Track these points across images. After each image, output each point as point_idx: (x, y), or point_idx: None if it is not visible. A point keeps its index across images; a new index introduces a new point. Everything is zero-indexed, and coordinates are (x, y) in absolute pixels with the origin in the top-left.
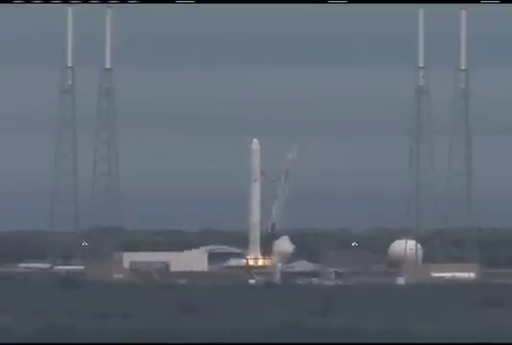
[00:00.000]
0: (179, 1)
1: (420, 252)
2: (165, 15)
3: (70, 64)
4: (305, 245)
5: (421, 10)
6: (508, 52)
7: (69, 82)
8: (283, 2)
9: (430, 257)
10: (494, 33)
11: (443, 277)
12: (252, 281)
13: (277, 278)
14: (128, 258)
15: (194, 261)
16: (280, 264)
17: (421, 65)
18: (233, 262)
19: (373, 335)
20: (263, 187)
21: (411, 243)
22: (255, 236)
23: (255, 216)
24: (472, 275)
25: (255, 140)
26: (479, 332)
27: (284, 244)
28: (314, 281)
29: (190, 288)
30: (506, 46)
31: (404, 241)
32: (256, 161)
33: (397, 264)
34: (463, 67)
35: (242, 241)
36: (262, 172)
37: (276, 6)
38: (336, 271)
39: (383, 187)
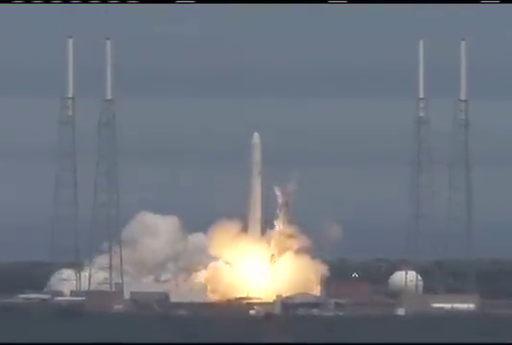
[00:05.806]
0: (179, 1)
1: (420, 283)
2: (166, 46)
3: (70, 95)
4: None
5: (421, 41)
6: (508, 83)
7: (69, 113)
8: (282, 2)
9: (430, 288)
10: (494, 64)
11: (443, 308)
12: (252, 312)
13: (277, 309)
14: (129, 289)
15: (193, 291)
16: (281, 296)
17: (421, 96)
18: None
19: None
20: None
21: (411, 274)
22: (255, 231)
23: (257, 211)
24: (471, 306)
25: (256, 134)
26: None
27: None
28: (315, 312)
29: (189, 319)
30: (506, 77)
31: (404, 273)
32: (257, 155)
33: (397, 294)
34: (463, 98)
35: None
36: (259, 173)
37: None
38: (336, 302)
39: (383, 217)
